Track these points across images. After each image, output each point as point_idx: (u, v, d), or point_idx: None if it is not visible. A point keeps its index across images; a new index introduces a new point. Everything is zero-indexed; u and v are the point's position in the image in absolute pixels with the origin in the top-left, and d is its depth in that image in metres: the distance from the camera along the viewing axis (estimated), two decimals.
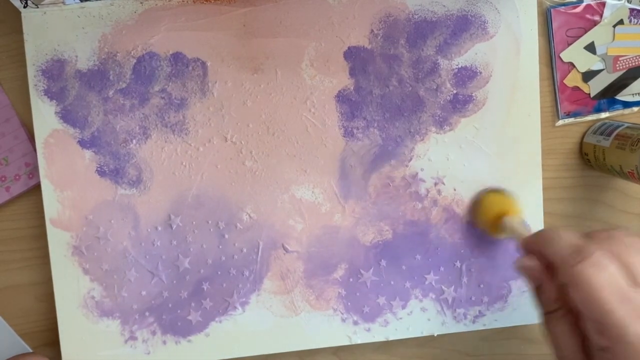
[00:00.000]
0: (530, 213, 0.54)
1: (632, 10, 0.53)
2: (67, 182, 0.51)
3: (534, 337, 0.57)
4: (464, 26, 0.52)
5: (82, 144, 0.51)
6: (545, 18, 0.54)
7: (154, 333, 0.52)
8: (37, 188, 0.52)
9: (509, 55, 0.52)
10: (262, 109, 0.52)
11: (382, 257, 0.53)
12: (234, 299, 0.53)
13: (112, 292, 0.52)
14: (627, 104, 0.55)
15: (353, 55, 0.52)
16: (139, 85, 0.51)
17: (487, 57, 0.52)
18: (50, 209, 0.51)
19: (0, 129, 0.51)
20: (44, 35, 0.50)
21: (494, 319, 0.55)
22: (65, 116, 0.50)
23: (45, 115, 0.50)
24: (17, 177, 0.51)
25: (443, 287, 0.54)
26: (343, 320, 0.54)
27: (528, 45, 0.53)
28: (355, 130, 0.52)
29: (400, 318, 0.54)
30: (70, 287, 0.52)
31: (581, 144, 0.56)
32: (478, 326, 0.55)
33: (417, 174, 0.53)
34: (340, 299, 0.53)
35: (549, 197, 0.55)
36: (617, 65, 0.54)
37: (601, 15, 0.53)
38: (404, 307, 0.54)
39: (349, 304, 0.54)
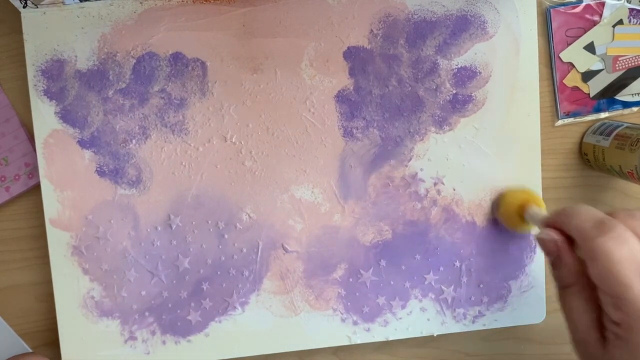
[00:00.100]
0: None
1: (631, 10, 0.53)
2: (67, 182, 0.51)
3: (534, 337, 0.57)
4: (464, 26, 0.52)
5: (82, 144, 0.51)
6: (545, 18, 0.54)
7: (153, 333, 0.52)
8: (36, 188, 0.52)
9: (509, 55, 0.52)
10: (262, 109, 0.52)
11: (382, 257, 0.53)
12: (234, 299, 0.53)
13: (111, 292, 0.52)
14: (626, 104, 0.55)
15: (352, 55, 0.52)
16: (138, 85, 0.51)
17: (486, 57, 0.52)
18: (50, 209, 0.51)
19: (0, 129, 0.51)
20: (44, 35, 0.50)
21: (494, 319, 0.55)
22: (65, 116, 0.50)
23: (44, 115, 0.50)
24: (17, 177, 0.52)
25: (443, 287, 0.54)
26: (343, 320, 0.54)
27: (527, 45, 0.53)
28: (354, 130, 0.52)
29: (400, 318, 0.54)
30: (70, 287, 0.52)
31: (581, 144, 0.56)
32: (478, 326, 0.55)
33: (416, 174, 0.53)
34: (339, 299, 0.54)
35: (548, 197, 0.55)
36: (617, 65, 0.54)
37: (601, 15, 0.53)
38: (403, 307, 0.54)
39: (349, 304, 0.54)
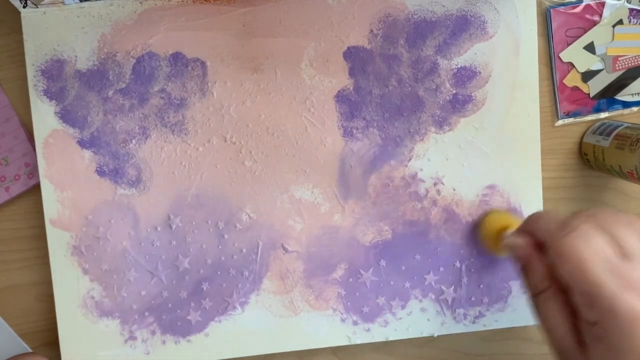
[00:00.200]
0: (530, 213, 0.54)
1: (631, 10, 0.53)
2: (67, 182, 0.51)
3: (534, 337, 0.57)
4: (464, 26, 0.52)
5: (82, 144, 0.51)
6: (545, 18, 0.54)
7: (153, 333, 0.52)
8: (36, 188, 0.52)
9: (509, 55, 0.52)
10: (262, 109, 0.52)
11: (382, 257, 0.53)
12: (234, 299, 0.53)
13: (111, 292, 0.52)
14: (626, 104, 0.55)
15: (352, 55, 0.52)
16: (138, 85, 0.51)
17: (486, 57, 0.52)
18: (50, 209, 0.51)
19: (0, 129, 0.51)
20: (44, 35, 0.50)
21: (494, 320, 0.55)
22: (65, 116, 0.51)
23: (44, 115, 0.50)
24: (17, 177, 0.52)
25: (443, 287, 0.54)
26: (342, 320, 0.54)
27: (527, 45, 0.53)
28: (354, 130, 0.52)
29: (400, 318, 0.54)
30: (70, 287, 0.52)
31: (581, 144, 0.56)
32: (478, 327, 0.55)
33: (416, 174, 0.53)
34: (339, 299, 0.53)
35: (548, 197, 0.55)
36: (617, 65, 0.54)
37: (600, 15, 0.53)
38: (403, 308, 0.54)
39: (349, 304, 0.54)
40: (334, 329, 0.54)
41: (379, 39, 0.52)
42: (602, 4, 0.53)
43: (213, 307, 0.53)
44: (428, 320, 0.54)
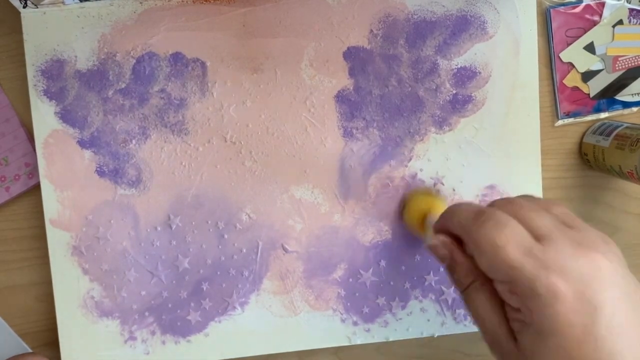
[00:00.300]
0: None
1: (631, 10, 0.53)
2: (67, 182, 0.51)
3: None
4: (464, 26, 0.52)
5: (82, 144, 0.51)
6: (545, 18, 0.54)
7: (153, 333, 0.52)
8: (36, 188, 0.52)
9: (509, 56, 0.52)
10: (262, 109, 0.52)
11: (382, 258, 0.53)
12: (234, 299, 0.53)
13: (111, 292, 0.52)
14: (626, 104, 0.55)
15: (352, 56, 0.52)
16: (138, 85, 0.51)
17: (486, 57, 0.52)
18: (50, 209, 0.51)
19: (0, 129, 0.51)
20: (44, 35, 0.50)
21: None
22: (65, 116, 0.51)
23: (44, 116, 0.50)
24: (17, 177, 0.52)
25: (443, 287, 0.54)
26: (342, 320, 0.54)
27: (527, 45, 0.53)
28: (354, 131, 0.52)
29: (400, 319, 0.54)
30: (70, 287, 0.52)
31: (581, 144, 0.56)
32: None
33: (416, 174, 0.53)
34: (339, 299, 0.53)
35: (548, 197, 0.55)
36: (617, 66, 0.54)
37: (600, 16, 0.53)
38: (403, 308, 0.54)
39: (349, 304, 0.54)
40: (334, 329, 0.54)
41: (379, 39, 0.52)
42: (602, 4, 0.53)
43: (213, 307, 0.53)
44: (428, 320, 0.54)
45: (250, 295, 0.53)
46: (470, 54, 0.52)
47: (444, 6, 0.52)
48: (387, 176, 0.53)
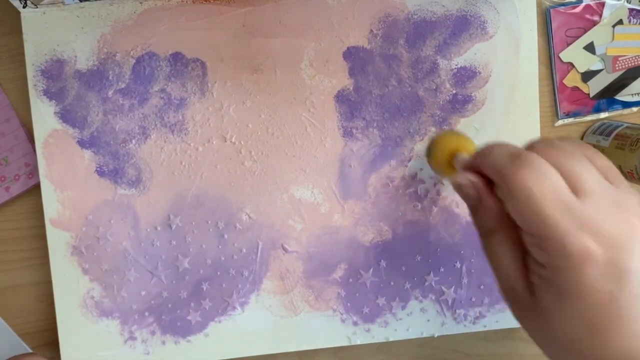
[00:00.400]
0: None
1: (631, 10, 0.53)
2: (67, 182, 0.51)
3: None
4: (463, 26, 0.52)
5: (82, 144, 0.51)
6: (545, 18, 0.54)
7: (153, 333, 0.52)
8: (36, 188, 0.52)
9: (509, 56, 0.52)
10: (262, 109, 0.52)
11: (382, 258, 0.53)
12: (234, 299, 0.53)
13: (111, 292, 0.52)
14: (626, 104, 0.55)
15: (352, 56, 0.52)
16: (138, 85, 0.51)
17: (486, 57, 0.52)
18: (50, 209, 0.51)
19: (0, 128, 0.51)
20: (43, 35, 0.50)
21: (495, 320, 0.55)
22: (65, 116, 0.51)
23: (44, 116, 0.50)
24: (17, 177, 0.52)
25: (443, 288, 0.54)
26: (342, 320, 0.54)
27: (527, 45, 0.53)
28: (354, 131, 0.52)
29: (400, 319, 0.54)
30: (70, 287, 0.52)
31: None
32: (478, 327, 0.54)
33: (416, 174, 0.53)
34: (339, 299, 0.53)
35: None
36: (617, 65, 0.54)
37: (600, 15, 0.53)
38: (403, 308, 0.54)
39: (349, 304, 0.54)
40: (334, 330, 0.54)
41: (379, 39, 0.52)
42: (602, 4, 0.53)
43: (213, 307, 0.53)
44: (428, 320, 0.54)
45: (250, 295, 0.53)
46: (470, 54, 0.52)
47: (444, 6, 0.52)
48: (387, 176, 0.53)
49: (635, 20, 0.53)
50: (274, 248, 0.53)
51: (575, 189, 0.34)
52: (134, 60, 0.51)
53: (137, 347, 0.53)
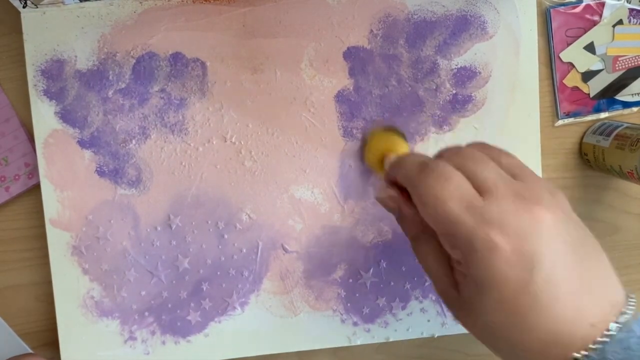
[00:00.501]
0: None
1: (631, 10, 0.53)
2: (67, 182, 0.51)
3: None
4: (464, 26, 0.52)
5: (82, 144, 0.51)
6: (545, 18, 0.54)
7: (153, 333, 0.52)
8: (36, 188, 0.52)
9: (509, 56, 0.52)
10: (262, 109, 0.52)
11: (382, 258, 0.53)
12: (234, 299, 0.53)
13: (111, 292, 0.52)
14: (626, 104, 0.55)
15: (352, 56, 0.52)
16: (138, 85, 0.51)
17: (486, 57, 0.52)
18: (50, 209, 0.51)
19: (0, 128, 0.51)
20: (44, 35, 0.50)
21: None
22: (65, 116, 0.51)
23: (44, 115, 0.50)
24: (17, 177, 0.52)
25: None
26: (342, 321, 0.54)
27: (527, 45, 0.53)
28: (354, 130, 0.52)
29: (400, 319, 0.54)
30: (70, 287, 0.52)
31: (581, 144, 0.56)
32: None
33: None
34: (339, 299, 0.53)
35: None
36: (617, 65, 0.54)
37: (600, 15, 0.53)
38: (403, 308, 0.54)
39: (349, 304, 0.54)
40: (334, 330, 0.54)
41: (379, 39, 0.52)
42: (602, 4, 0.53)
43: (213, 307, 0.53)
44: (428, 321, 0.54)
45: (250, 295, 0.53)
46: (470, 54, 0.52)
47: (444, 6, 0.52)
48: None
49: (635, 20, 0.53)
50: (274, 248, 0.53)
51: (479, 189, 0.36)
52: (134, 60, 0.51)
53: (137, 347, 0.53)
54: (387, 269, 0.53)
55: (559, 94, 0.54)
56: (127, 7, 0.50)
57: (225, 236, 0.52)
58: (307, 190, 0.52)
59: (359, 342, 0.54)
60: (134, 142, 0.51)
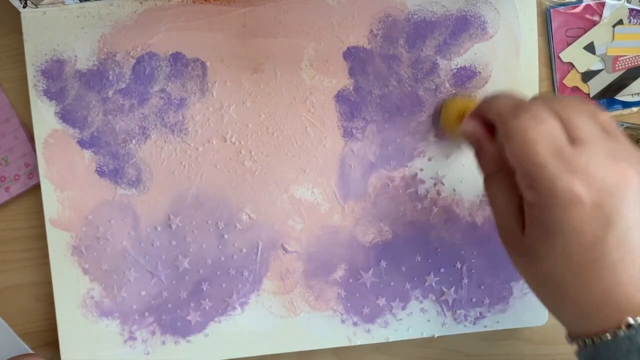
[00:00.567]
0: None
1: (631, 10, 0.53)
2: (67, 182, 0.51)
3: (534, 338, 0.57)
4: (464, 26, 0.52)
5: (82, 144, 0.51)
6: (545, 18, 0.54)
7: (153, 333, 0.52)
8: (36, 188, 0.52)
9: (509, 56, 0.52)
10: (262, 109, 0.52)
11: (382, 258, 0.53)
12: (233, 299, 0.53)
13: (111, 292, 0.52)
14: (626, 104, 0.55)
15: (352, 56, 0.52)
16: (138, 85, 0.51)
17: (486, 57, 0.52)
18: (50, 209, 0.51)
19: (0, 128, 0.51)
20: (44, 35, 0.50)
21: (495, 321, 0.55)
22: (65, 116, 0.51)
23: (44, 116, 0.50)
24: (17, 177, 0.52)
25: (443, 288, 0.54)
26: (343, 321, 0.54)
27: (527, 45, 0.53)
28: (354, 130, 0.52)
29: (400, 319, 0.54)
30: (70, 287, 0.52)
31: None
32: (479, 328, 0.54)
33: (416, 174, 0.53)
34: (339, 299, 0.53)
35: None
36: (617, 66, 0.54)
37: (600, 15, 0.53)
38: (404, 308, 0.54)
39: (349, 304, 0.54)
40: (334, 330, 0.54)
41: (379, 39, 0.52)
42: (602, 4, 0.53)
43: (213, 307, 0.53)
44: (428, 321, 0.54)
45: (250, 295, 0.53)
46: (470, 54, 0.52)
47: (444, 6, 0.52)
48: (387, 176, 0.53)
49: (635, 20, 0.53)
50: (274, 248, 0.53)
51: (572, 138, 0.35)
52: (134, 60, 0.51)
53: (137, 347, 0.53)
54: (387, 269, 0.53)
55: (559, 94, 0.54)
56: (127, 7, 0.50)
57: (225, 236, 0.52)
58: (307, 190, 0.52)
59: (359, 342, 0.54)
60: (134, 142, 0.51)
